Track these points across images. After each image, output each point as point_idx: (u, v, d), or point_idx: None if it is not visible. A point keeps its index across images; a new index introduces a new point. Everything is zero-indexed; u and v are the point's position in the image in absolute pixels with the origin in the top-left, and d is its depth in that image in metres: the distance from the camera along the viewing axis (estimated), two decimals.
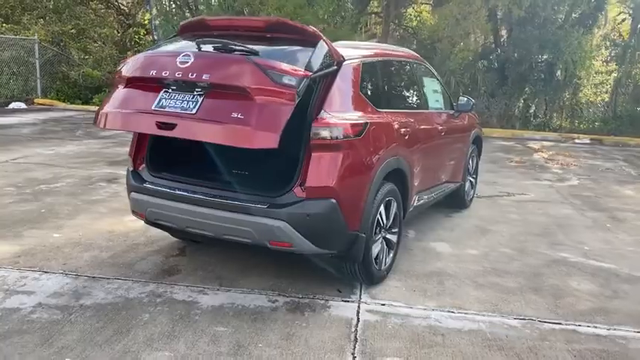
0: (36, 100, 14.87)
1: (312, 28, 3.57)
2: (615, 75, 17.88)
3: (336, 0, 17.19)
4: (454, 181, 5.73)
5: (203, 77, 3.18)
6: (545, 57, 16.69)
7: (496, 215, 6.19)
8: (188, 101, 3.24)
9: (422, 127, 4.65)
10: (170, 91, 3.32)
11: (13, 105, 13.91)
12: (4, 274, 3.89)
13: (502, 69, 16.69)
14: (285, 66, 3.15)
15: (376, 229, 3.90)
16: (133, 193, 3.85)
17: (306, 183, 3.32)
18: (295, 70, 3.14)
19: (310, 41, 3.45)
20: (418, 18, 20.08)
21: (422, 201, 4.83)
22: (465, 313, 3.67)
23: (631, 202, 7.18)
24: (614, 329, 3.56)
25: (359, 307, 3.69)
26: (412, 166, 4.35)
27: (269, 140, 3.01)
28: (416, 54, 5.28)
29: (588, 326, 3.59)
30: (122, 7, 18.44)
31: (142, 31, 18.12)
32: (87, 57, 15.78)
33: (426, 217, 5.86)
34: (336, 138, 3.37)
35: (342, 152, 3.42)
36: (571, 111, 17.52)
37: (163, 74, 3.30)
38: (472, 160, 6.33)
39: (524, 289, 4.14)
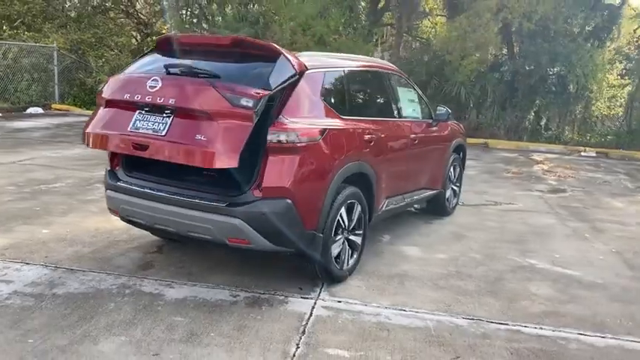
0: (53, 106, 15.39)
1: (272, 44, 3.83)
2: (629, 89, 17.80)
3: (347, 12, 17.48)
4: (432, 187, 5.89)
5: (170, 102, 3.51)
6: (556, 70, 16.71)
7: (476, 223, 6.32)
8: (159, 123, 3.57)
9: (391, 134, 4.85)
10: (144, 112, 3.65)
11: (31, 110, 14.42)
12: None
13: (512, 81, 16.77)
14: (242, 89, 3.42)
15: (337, 230, 4.09)
16: (108, 191, 4.12)
17: (262, 183, 3.54)
18: (252, 92, 3.40)
19: (271, 57, 3.71)
20: (433, 30, 20.29)
21: (393, 205, 5.01)
22: (416, 312, 3.84)
23: (618, 214, 7.24)
24: (559, 331, 3.69)
25: (315, 303, 3.88)
26: (379, 172, 4.54)
27: (229, 161, 3.33)
28: (392, 66, 5.48)
29: (534, 327, 3.72)
30: (141, 16, 18.98)
31: None
32: (103, 65, 16.28)
33: (404, 223, 6.04)
34: (292, 142, 3.59)
35: (298, 155, 3.63)
36: (583, 124, 17.48)
37: (136, 98, 3.64)
38: (454, 169, 6.48)
39: (482, 292, 4.28)
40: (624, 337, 3.68)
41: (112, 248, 4.71)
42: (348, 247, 4.29)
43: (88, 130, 3.87)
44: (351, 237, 4.33)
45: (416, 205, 6.22)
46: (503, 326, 3.71)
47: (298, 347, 3.25)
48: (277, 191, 3.57)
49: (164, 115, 3.57)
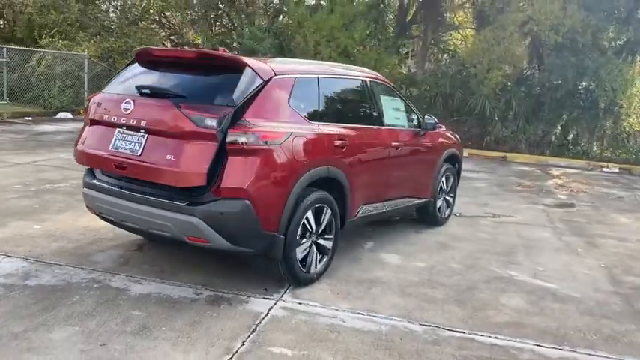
0: (82, 111, 15.96)
1: (237, 57, 3.98)
2: None
3: (372, 23, 17.55)
4: (419, 196, 5.89)
5: (142, 124, 3.78)
6: (584, 84, 16.37)
7: (467, 234, 6.28)
8: (135, 143, 3.82)
9: (369, 141, 4.90)
10: (122, 131, 3.90)
11: (61, 115, 15.00)
12: None
13: (538, 95, 16.52)
14: (206, 109, 3.63)
15: (303, 233, 4.16)
16: (84, 189, 4.30)
17: (221, 184, 3.65)
18: (216, 111, 3.60)
19: (237, 69, 3.86)
20: (460, 43, 20.19)
21: (371, 212, 5.05)
22: (374, 316, 3.87)
23: (619, 230, 7.07)
24: (515, 341, 3.66)
25: (275, 304, 3.95)
26: (353, 178, 4.59)
27: (197, 180, 3.57)
28: (377, 74, 5.53)
29: (489, 336, 3.70)
30: (173, 26, 19.53)
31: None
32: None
33: (393, 231, 6.06)
34: (252, 144, 3.69)
35: (258, 158, 3.73)
36: (613, 140, 17.02)
37: (113, 120, 3.91)
38: (447, 179, 6.46)
39: (449, 300, 4.27)
40: (582, 349, 3.62)
41: (95, 245, 4.89)
42: (316, 250, 4.34)
43: (77, 147, 4.18)
44: (320, 241, 4.39)
45: (409, 215, 6.23)
46: (458, 334, 3.70)
47: (243, 344, 3.33)
48: (235, 192, 3.67)
49: (139, 134, 3.81)
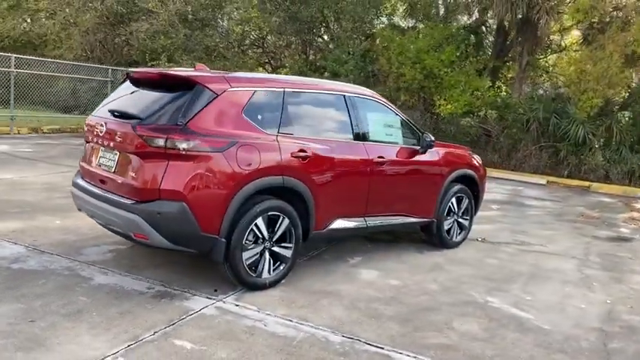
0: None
1: (187, 75, 4.33)
2: None
3: (462, 45, 17.22)
4: (417, 215, 5.78)
5: (111, 144, 4.29)
6: None
7: (473, 258, 6.02)
8: (111, 160, 4.32)
9: (343, 155, 4.94)
10: (103, 149, 4.43)
11: None
12: None
13: None
14: (156, 128, 4.03)
15: (254, 239, 4.32)
16: (72, 188, 4.81)
17: (161, 186, 3.95)
18: (165, 131, 3.98)
19: (190, 87, 4.20)
20: (557, 66, 19.12)
21: (348, 227, 5.06)
22: (301, 324, 3.91)
23: None
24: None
25: (213, 303, 4.14)
26: (318, 190, 4.67)
27: (153, 194, 3.96)
28: (366, 90, 5.57)
29: (408, 355, 3.60)
30: (270, 49, 20.58)
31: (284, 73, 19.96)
32: None
33: (392, 249, 6.02)
34: (192, 150, 3.96)
35: (198, 163, 3.99)
36: None
37: (96, 140, 4.45)
38: (460, 201, 6.25)
39: (394, 318, 4.18)
40: None
41: (95, 240, 5.40)
42: (269, 258, 4.46)
43: (80, 162, 4.82)
44: (276, 249, 4.51)
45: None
46: (375, 349, 3.64)
47: (154, 334, 3.55)
48: (173, 194, 3.95)
49: (113, 152, 4.30)
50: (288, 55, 20.70)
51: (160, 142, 3.96)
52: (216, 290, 4.38)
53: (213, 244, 4.10)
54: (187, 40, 18.98)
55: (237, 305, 4.15)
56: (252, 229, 4.30)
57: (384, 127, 5.52)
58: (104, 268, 4.67)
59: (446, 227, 6.17)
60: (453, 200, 6.18)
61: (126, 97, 4.60)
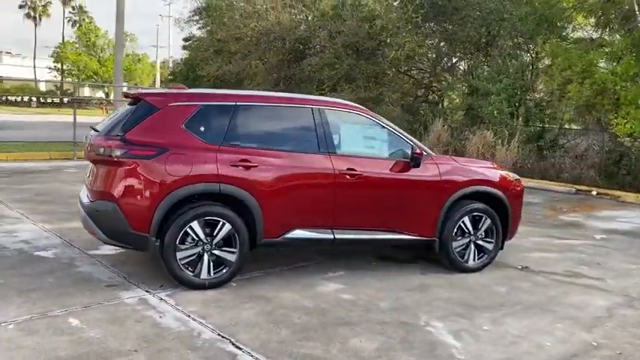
0: None
1: (137, 92, 4.95)
2: None
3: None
4: (408, 232, 5.47)
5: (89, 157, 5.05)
6: None
7: (478, 284, 5.42)
8: (92, 171, 5.05)
9: (299, 165, 5.02)
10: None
11: None
12: (35, 229, 6.32)
13: None
14: (105, 140, 4.70)
15: (193, 241, 4.70)
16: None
17: (98, 188, 4.62)
18: (108, 142, 4.65)
19: (139, 101, 4.84)
20: None
21: (311, 236, 5.08)
22: (194, 320, 4.14)
23: None
24: None
25: (142, 295, 4.61)
26: (267, 198, 4.85)
27: (97, 195, 4.70)
28: (341, 103, 5.59)
29: (256, 358, 3.60)
30: (429, 74, 20.48)
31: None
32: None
33: (393, 268, 5.81)
34: (122, 157, 4.55)
35: (127, 168, 4.56)
36: None
37: (87, 155, 5.20)
38: (476, 220, 5.70)
39: (295, 327, 4.14)
40: None
41: None
42: (208, 260, 4.77)
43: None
44: (218, 252, 4.80)
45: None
46: (232, 348, 3.72)
47: (60, 312, 4.15)
48: (108, 195, 4.59)
49: (91, 164, 5.10)
50: (443, 77, 20.23)
51: (102, 150, 4.63)
52: (161, 286, 4.83)
53: (145, 242, 4.59)
54: (350, 69, 19.93)
55: (161, 299, 4.55)
56: (186, 231, 4.66)
57: (363, 140, 5.42)
58: (99, 260, 5.47)
59: (457, 249, 5.68)
60: (466, 219, 5.67)
61: (113, 115, 5.37)
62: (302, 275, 5.39)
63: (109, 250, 5.84)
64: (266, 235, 4.95)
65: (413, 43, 18.63)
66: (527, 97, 16.22)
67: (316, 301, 4.72)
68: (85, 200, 4.87)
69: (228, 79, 24.62)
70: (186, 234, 4.68)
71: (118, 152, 4.57)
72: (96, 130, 5.09)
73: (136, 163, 4.57)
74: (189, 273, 4.74)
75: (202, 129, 4.84)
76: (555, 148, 15.02)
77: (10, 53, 69.58)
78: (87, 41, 55.23)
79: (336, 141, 5.26)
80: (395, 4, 19.48)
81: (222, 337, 3.90)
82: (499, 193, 5.82)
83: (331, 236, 5.20)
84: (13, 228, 6.57)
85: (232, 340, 3.86)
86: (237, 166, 4.79)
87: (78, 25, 59.69)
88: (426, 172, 5.49)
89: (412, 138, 5.71)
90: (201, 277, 4.77)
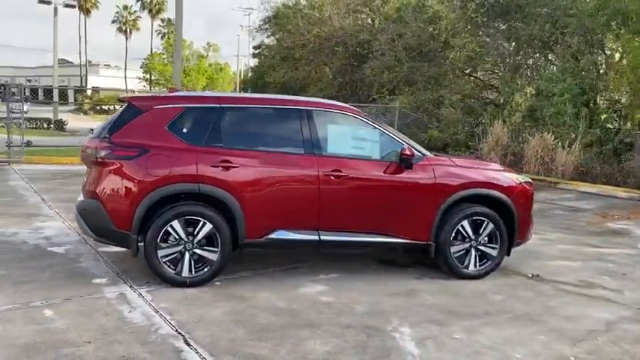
0: None
1: (126, 97, 5.12)
2: None
3: None
4: (399, 235, 5.30)
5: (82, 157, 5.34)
6: None
7: (474, 291, 5.17)
8: (86, 170, 5.35)
9: (281, 166, 5.03)
10: None
11: None
12: (61, 227, 6.74)
13: None
14: (94, 141, 4.95)
15: (175, 240, 4.83)
16: None
17: (85, 187, 4.87)
18: (96, 144, 4.89)
19: (126, 105, 5.05)
20: None
21: (292, 237, 5.06)
22: (160, 317, 4.25)
23: None
24: None
25: (123, 290, 4.80)
26: (248, 199, 4.90)
27: (86, 194, 4.95)
28: (335, 104, 5.47)
29: (200, 354, 3.65)
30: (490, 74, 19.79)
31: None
32: (438, 120, 17.94)
33: (390, 272, 5.68)
34: (106, 158, 4.78)
35: (110, 168, 4.77)
36: None
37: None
38: (477, 225, 5.43)
39: (256, 326, 4.15)
40: None
41: None
42: (189, 258, 4.88)
43: None
44: (199, 251, 4.90)
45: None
46: (180, 344, 3.79)
47: (40, 303, 4.41)
48: (91, 194, 4.83)
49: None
50: (506, 77, 19.42)
51: (90, 151, 4.88)
52: (147, 282, 5.00)
53: (125, 239, 4.78)
54: (410, 72, 19.65)
55: (140, 295, 4.71)
56: (167, 230, 4.80)
57: (353, 141, 5.33)
58: (102, 257, 5.74)
59: (456, 254, 5.45)
60: (465, 223, 5.43)
61: (108, 119, 5.63)
62: (291, 276, 5.38)
63: (117, 247, 6.10)
64: (248, 236, 4.99)
65: (473, 44, 18.07)
66: (595, 98, 15.24)
67: (291, 302, 4.70)
68: (79, 199, 5.14)
69: (294, 85, 25.05)
70: (168, 232, 4.82)
71: (102, 153, 4.80)
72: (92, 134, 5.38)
73: (118, 164, 4.78)
74: (171, 271, 4.87)
75: (185, 131, 4.97)
76: (623, 151, 13.97)
77: (108, 66, 74.63)
78: (172, 52, 58.04)
79: (322, 142, 5.22)
80: (456, 3, 18.98)
81: (179, 333, 3.98)
82: (502, 196, 5.52)
83: (316, 238, 5.15)
84: (42, 225, 7.04)
85: (186, 336, 3.92)
86: (217, 166, 4.87)
87: (166, 37, 62.86)
88: (418, 174, 5.31)
89: (406, 139, 5.55)
90: (183, 275, 4.89)
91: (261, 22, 28.60)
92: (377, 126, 5.44)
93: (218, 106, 5.12)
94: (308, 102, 5.48)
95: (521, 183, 5.71)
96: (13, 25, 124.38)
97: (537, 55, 17.20)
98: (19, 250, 5.92)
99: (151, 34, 64.94)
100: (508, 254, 5.73)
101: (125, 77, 61.91)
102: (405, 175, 5.29)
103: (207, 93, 6.08)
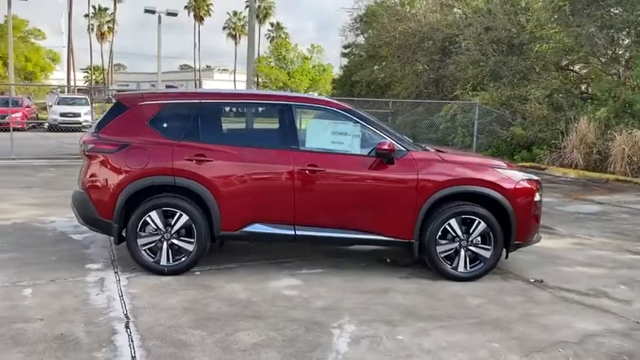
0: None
1: (117, 94, 5.42)
2: None
3: None
4: (379, 233, 5.14)
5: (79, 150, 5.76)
6: None
7: (452, 293, 4.89)
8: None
9: (257, 162, 5.07)
10: None
11: None
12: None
13: None
14: (84, 137, 5.35)
15: (154, 230, 5.08)
16: None
17: (79, 179, 5.26)
18: (86, 138, 5.27)
19: (115, 101, 5.36)
20: None
21: (267, 231, 5.11)
22: (120, 301, 4.50)
23: None
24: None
25: (104, 275, 5.11)
26: (222, 192, 5.02)
27: (82, 186, 5.30)
28: (318, 98, 5.41)
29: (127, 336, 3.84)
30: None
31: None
32: (522, 116, 16.93)
33: (377, 270, 5.54)
34: (91, 151, 5.14)
35: (95, 161, 5.13)
36: None
37: None
38: (467, 224, 5.12)
39: (200, 313, 4.26)
40: None
41: None
42: (167, 248, 5.10)
43: None
44: (176, 242, 5.11)
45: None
46: (120, 328, 4.00)
47: (26, 283, 4.84)
48: (82, 185, 5.19)
49: None
50: (597, 70, 17.80)
51: (82, 145, 5.25)
52: (133, 269, 5.29)
53: (108, 227, 5.10)
54: (497, 67, 18.79)
55: (118, 280, 5.00)
56: (146, 220, 5.06)
57: (332, 136, 5.23)
58: (109, 244, 6.13)
59: (442, 254, 5.19)
60: (453, 222, 5.15)
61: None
62: (273, 270, 5.42)
63: None
64: (223, 228, 5.11)
65: (561, 34, 16.84)
66: None
67: (254, 294, 4.75)
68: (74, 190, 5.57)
69: (380, 83, 24.88)
70: (146, 222, 5.07)
71: (89, 147, 5.16)
72: None
73: (102, 157, 5.11)
74: (150, 259, 5.12)
75: (165, 126, 5.20)
76: None
77: (226, 70, 78.96)
78: (278, 55, 59.79)
79: (300, 137, 5.20)
80: None
81: (126, 317, 4.19)
82: (495, 194, 5.16)
83: (292, 232, 5.15)
84: None
85: (130, 320, 4.12)
86: (191, 160, 5.05)
87: (274, 40, 65.15)
88: (399, 169, 5.12)
89: (396, 133, 5.36)
90: (161, 263, 5.12)
91: (352, 21, 28.70)
92: (359, 120, 5.31)
93: (197, 101, 5.30)
94: (288, 97, 5.49)
95: (519, 181, 5.29)
96: (148, 35, 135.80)
97: (633, 44, 15.63)
98: (45, 236, 6.51)
99: (258, 38, 67.50)
100: (506, 257, 5.35)
101: (234, 80, 64.91)
102: (384, 171, 5.12)
103: (191, 90, 6.29)
